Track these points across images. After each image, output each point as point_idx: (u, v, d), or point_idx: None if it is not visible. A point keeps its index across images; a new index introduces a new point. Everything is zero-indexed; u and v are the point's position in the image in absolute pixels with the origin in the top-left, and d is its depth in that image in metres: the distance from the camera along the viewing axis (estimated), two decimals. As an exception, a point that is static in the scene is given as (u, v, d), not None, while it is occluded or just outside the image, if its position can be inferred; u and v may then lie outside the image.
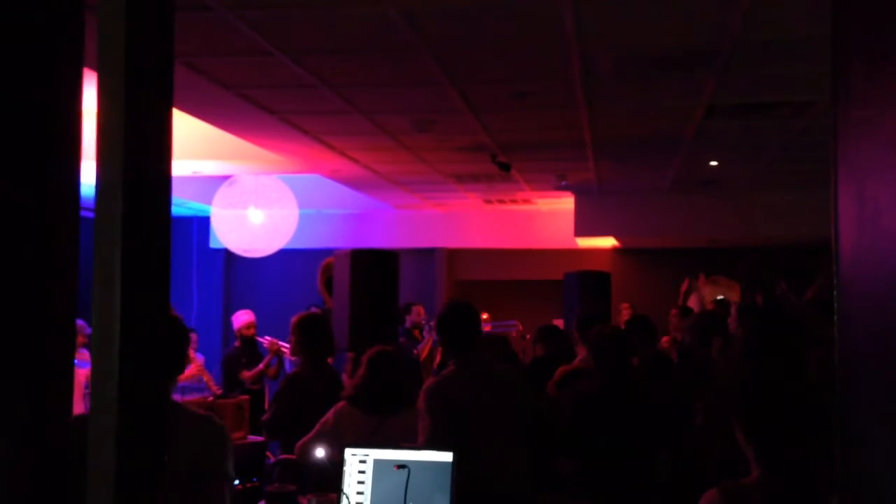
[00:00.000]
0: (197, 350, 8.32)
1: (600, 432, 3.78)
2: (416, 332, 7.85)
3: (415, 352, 7.34)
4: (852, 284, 1.21)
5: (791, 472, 1.99)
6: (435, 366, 7.09)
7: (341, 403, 3.79)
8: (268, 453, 5.99)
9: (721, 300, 7.68)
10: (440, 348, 6.15)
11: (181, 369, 2.93)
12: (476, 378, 3.51)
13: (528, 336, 8.09)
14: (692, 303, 8.79)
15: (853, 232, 1.22)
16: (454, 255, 11.48)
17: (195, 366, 6.80)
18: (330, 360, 5.06)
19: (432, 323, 7.36)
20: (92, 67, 1.14)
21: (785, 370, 2.99)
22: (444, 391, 3.45)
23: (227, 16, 3.80)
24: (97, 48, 1.13)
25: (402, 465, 3.03)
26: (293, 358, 6.97)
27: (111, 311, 1.07)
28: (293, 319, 4.70)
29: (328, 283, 9.71)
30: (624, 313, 8.70)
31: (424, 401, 3.43)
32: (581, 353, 4.76)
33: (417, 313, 8.05)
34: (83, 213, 1.22)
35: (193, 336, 8.11)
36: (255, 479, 4.11)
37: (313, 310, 6.43)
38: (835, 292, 1.23)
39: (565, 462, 3.93)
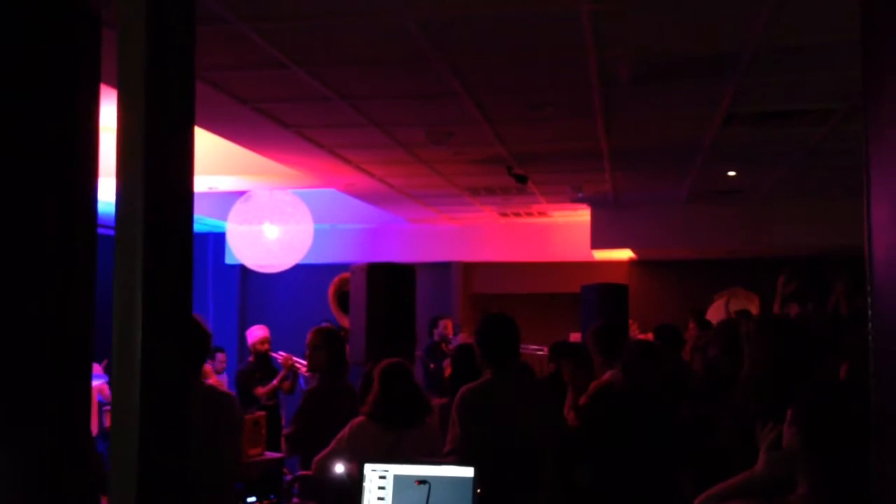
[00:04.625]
0: (225, 370, 8.32)
1: (614, 444, 3.77)
2: (444, 346, 7.80)
3: (432, 366, 7.26)
4: (888, 288, 1.18)
5: (840, 487, 1.93)
6: (445, 376, 7.01)
7: (358, 418, 3.77)
8: (284, 469, 5.95)
9: (742, 311, 7.59)
10: (450, 361, 6.10)
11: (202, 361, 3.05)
12: (510, 390, 3.59)
13: (545, 349, 8.02)
14: (711, 315, 8.68)
15: (888, 236, 1.19)
16: (470, 269, 11.44)
17: (214, 382, 6.79)
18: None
19: (459, 338, 7.29)
20: (111, 84, 1.13)
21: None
22: (478, 398, 3.52)
23: (241, 28, 3.79)
24: (117, 65, 1.11)
25: (422, 481, 2.99)
26: (308, 374, 6.93)
27: (132, 326, 1.04)
28: (311, 333, 4.66)
29: (340, 300, 9.67)
30: (632, 329, 8.59)
31: (457, 406, 3.50)
32: (598, 362, 4.74)
33: (445, 327, 8.04)
34: (102, 231, 1.20)
35: (221, 356, 8.14)
36: (272, 496, 4.09)
37: (325, 324, 6.40)
38: (868, 298, 1.20)
39: (582, 473, 3.92)
